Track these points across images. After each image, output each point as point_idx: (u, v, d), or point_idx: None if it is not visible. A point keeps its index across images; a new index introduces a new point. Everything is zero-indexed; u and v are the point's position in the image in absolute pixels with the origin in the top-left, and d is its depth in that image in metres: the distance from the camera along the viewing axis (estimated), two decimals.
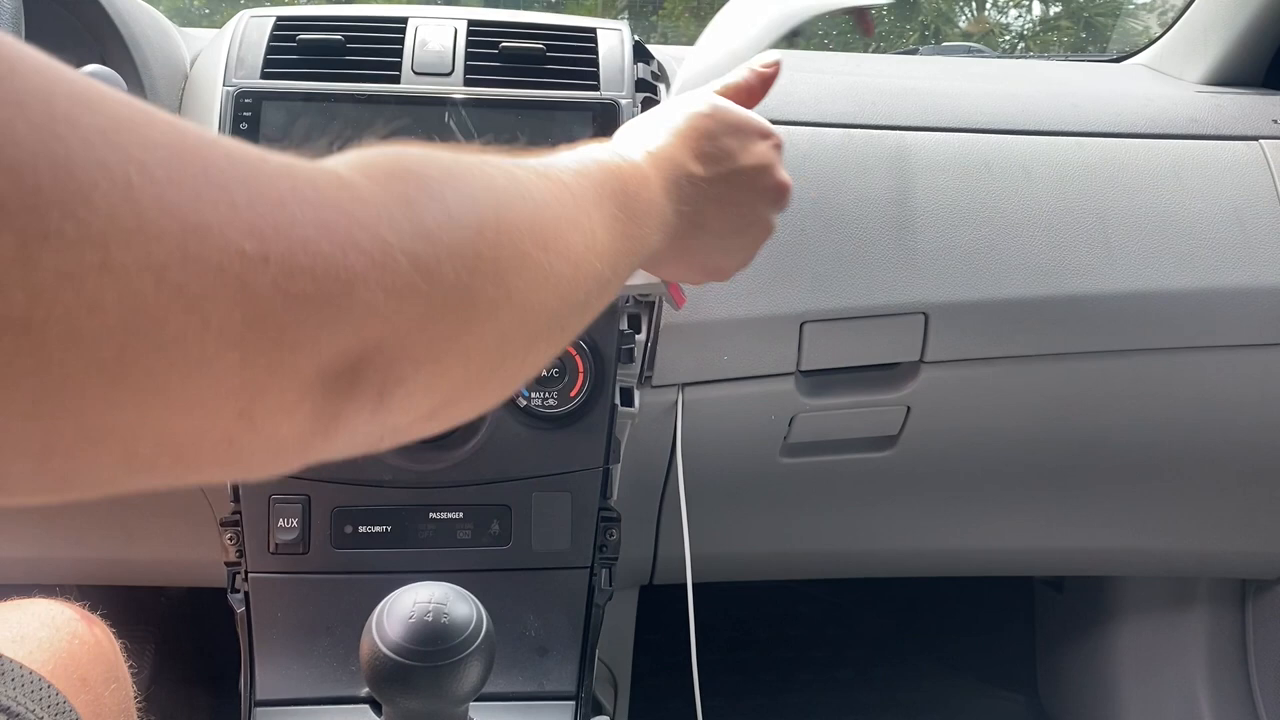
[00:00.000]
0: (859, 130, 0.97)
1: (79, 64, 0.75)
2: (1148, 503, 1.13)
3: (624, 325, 0.87)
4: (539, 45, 0.89)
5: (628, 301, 0.87)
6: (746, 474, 1.01)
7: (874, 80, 1.04)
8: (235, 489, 0.86)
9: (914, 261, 0.93)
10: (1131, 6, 2.03)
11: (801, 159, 0.94)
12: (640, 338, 0.88)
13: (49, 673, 0.62)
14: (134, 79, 0.84)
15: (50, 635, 0.67)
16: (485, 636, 0.70)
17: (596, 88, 0.89)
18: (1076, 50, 3.11)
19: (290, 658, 0.87)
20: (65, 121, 0.23)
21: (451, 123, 0.85)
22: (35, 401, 0.23)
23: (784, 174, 0.61)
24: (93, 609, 0.75)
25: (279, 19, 0.90)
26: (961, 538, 1.14)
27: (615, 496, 0.91)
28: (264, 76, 0.86)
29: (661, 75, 0.99)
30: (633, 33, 0.96)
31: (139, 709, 0.75)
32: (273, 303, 0.27)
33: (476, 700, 0.72)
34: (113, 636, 0.73)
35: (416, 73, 0.87)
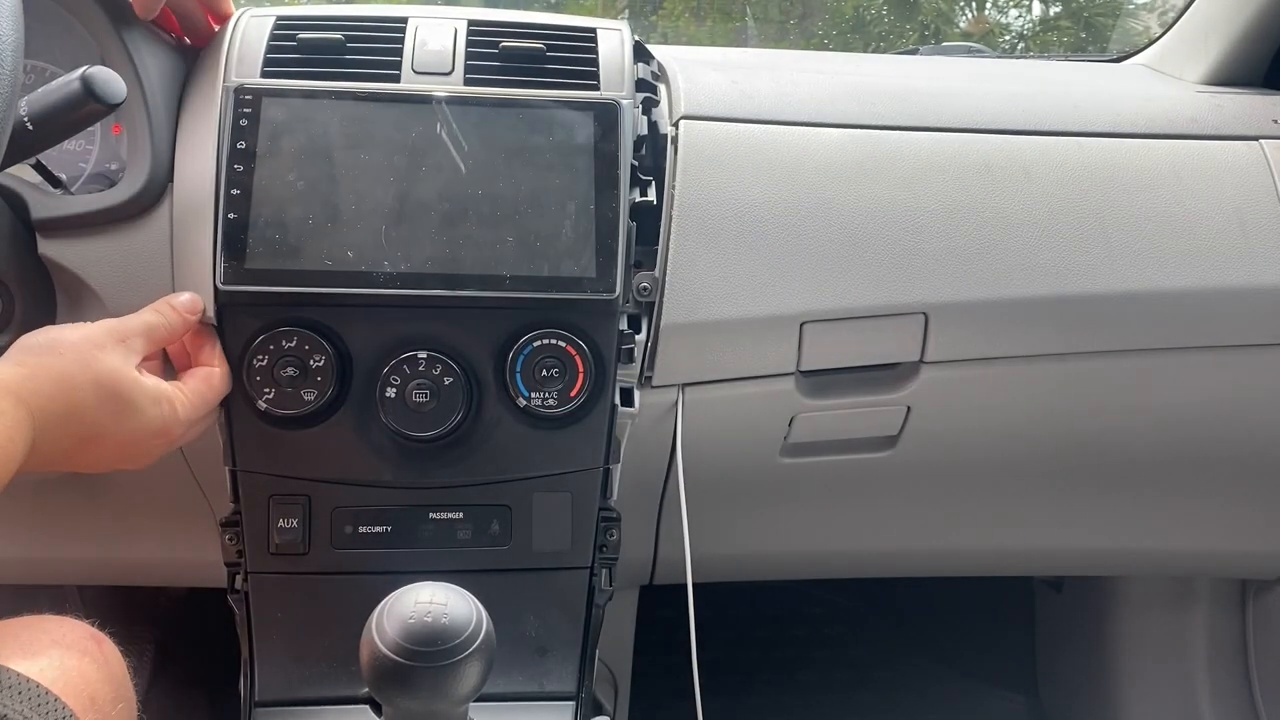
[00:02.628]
0: (859, 130, 0.97)
1: (78, 64, 0.75)
2: (1148, 502, 1.13)
3: (624, 325, 0.87)
4: (539, 45, 0.89)
5: (626, 302, 0.87)
6: (747, 474, 1.01)
7: (874, 80, 1.04)
8: (235, 489, 0.86)
9: (914, 262, 0.93)
10: (1131, 6, 2.03)
11: (801, 159, 0.94)
12: (640, 338, 0.88)
13: (59, 690, 0.62)
14: (133, 79, 0.84)
15: (60, 653, 0.67)
16: (485, 637, 0.70)
17: (597, 87, 0.89)
18: (1076, 50, 3.11)
19: (290, 658, 0.87)
20: None
21: (451, 123, 0.85)
22: None
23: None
24: (93, 609, 0.75)
25: (279, 18, 0.90)
26: (961, 538, 1.14)
27: (615, 496, 0.91)
28: (264, 75, 0.86)
29: (661, 75, 0.99)
30: (633, 33, 0.96)
31: None
32: None
33: (476, 700, 0.72)
34: (120, 655, 0.73)
35: (416, 72, 0.87)
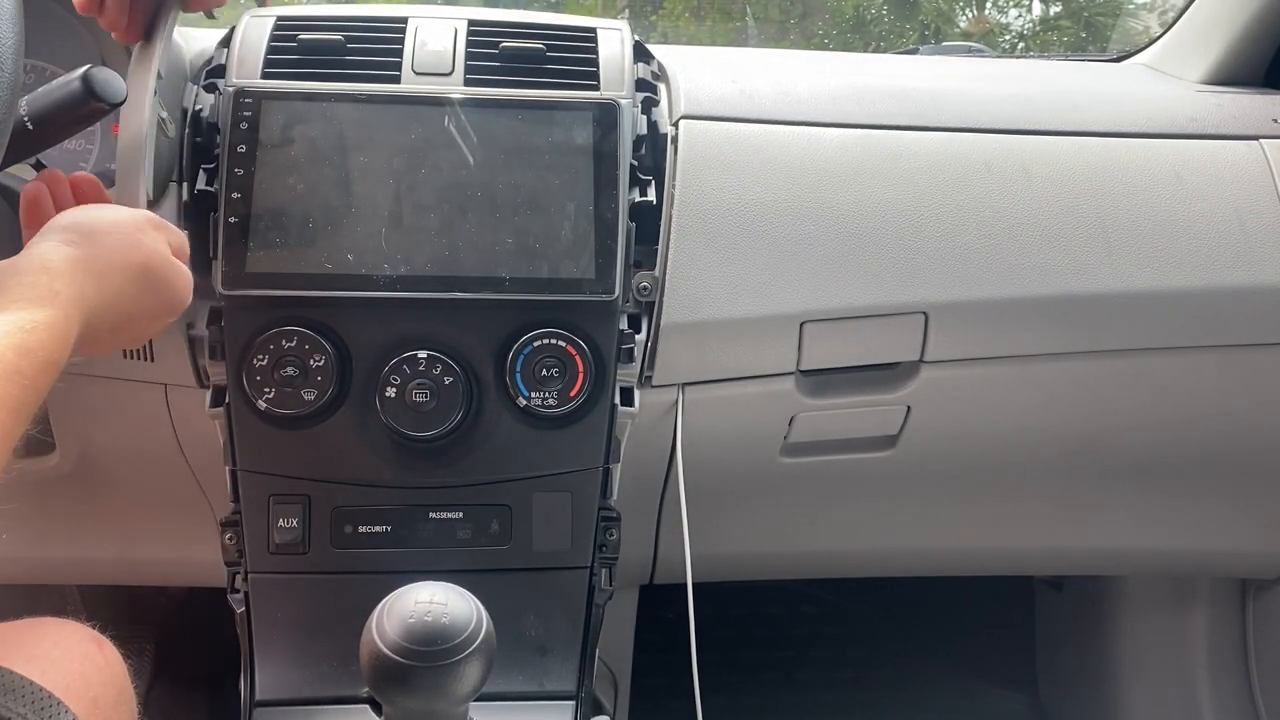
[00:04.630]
0: (859, 130, 0.97)
1: (78, 64, 0.75)
2: (1148, 502, 1.13)
3: (624, 325, 0.87)
4: (539, 45, 0.89)
5: (626, 301, 0.87)
6: (747, 474, 1.01)
7: (874, 80, 1.04)
8: (235, 489, 0.86)
9: (914, 261, 0.93)
10: (1132, 6, 2.03)
11: (801, 159, 0.94)
12: (640, 338, 0.88)
13: (60, 693, 0.62)
14: None
15: (62, 656, 0.67)
16: (485, 636, 0.70)
17: (597, 87, 0.89)
18: (1076, 50, 3.11)
19: (290, 658, 0.87)
20: None
21: (451, 124, 0.85)
22: None
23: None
24: (93, 609, 0.75)
25: (279, 19, 0.90)
26: (961, 537, 1.14)
27: (615, 496, 0.91)
28: (264, 76, 0.86)
29: (661, 75, 0.99)
30: (633, 33, 0.96)
31: None
32: None
33: (476, 700, 0.72)
34: (121, 658, 0.73)
35: (417, 73, 0.87)
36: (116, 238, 0.68)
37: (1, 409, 0.53)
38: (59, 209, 0.74)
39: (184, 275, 0.73)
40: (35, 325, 0.57)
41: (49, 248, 0.63)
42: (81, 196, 0.77)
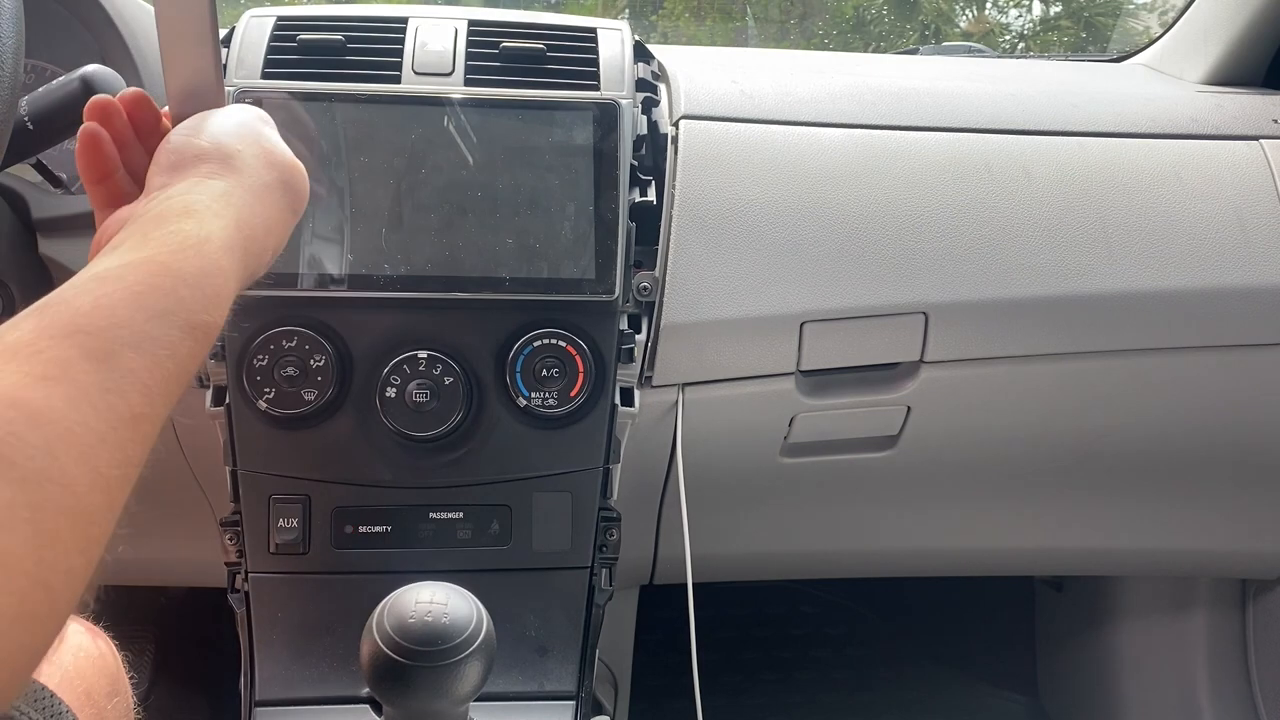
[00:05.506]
0: (859, 130, 0.97)
1: (78, 63, 0.75)
2: (1148, 502, 1.13)
3: (624, 325, 0.87)
4: (539, 45, 0.89)
5: (626, 302, 0.87)
6: (747, 474, 1.01)
7: (874, 80, 1.04)
8: (235, 489, 0.86)
9: (914, 262, 0.93)
10: (1132, 6, 2.03)
11: (801, 159, 0.94)
12: (640, 338, 0.88)
13: (54, 685, 0.62)
14: (134, 78, 0.84)
15: (56, 648, 0.67)
16: (485, 636, 0.70)
17: (597, 87, 0.89)
18: (1077, 50, 3.12)
19: (290, 658, 0.87)
20: None
21: (451, 124, 0.85)
22: None
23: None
24: (92, 608, 0.76)
25: (280, 19, 0.90)
26: (962, 537, 1.14)
27: (615, 496, 0.91)
28: (265, 76, 0.86)
29: (661, 75, 0.99)
30: (633, 33, 0.96)
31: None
32: None
33: (477, 700, 0.72)
34: (115, 649, 0.73)
35: (417, 73, 0.87)
36: (253, 153, 0.57)
37: (139, 390, 0.45)
38: (119, 146, 0.62)
39: (302, 170, 0.62)
40: (179, 282, 0.48)
41: (188, 186, 0.53)
42: (139, 124, 0.63)
